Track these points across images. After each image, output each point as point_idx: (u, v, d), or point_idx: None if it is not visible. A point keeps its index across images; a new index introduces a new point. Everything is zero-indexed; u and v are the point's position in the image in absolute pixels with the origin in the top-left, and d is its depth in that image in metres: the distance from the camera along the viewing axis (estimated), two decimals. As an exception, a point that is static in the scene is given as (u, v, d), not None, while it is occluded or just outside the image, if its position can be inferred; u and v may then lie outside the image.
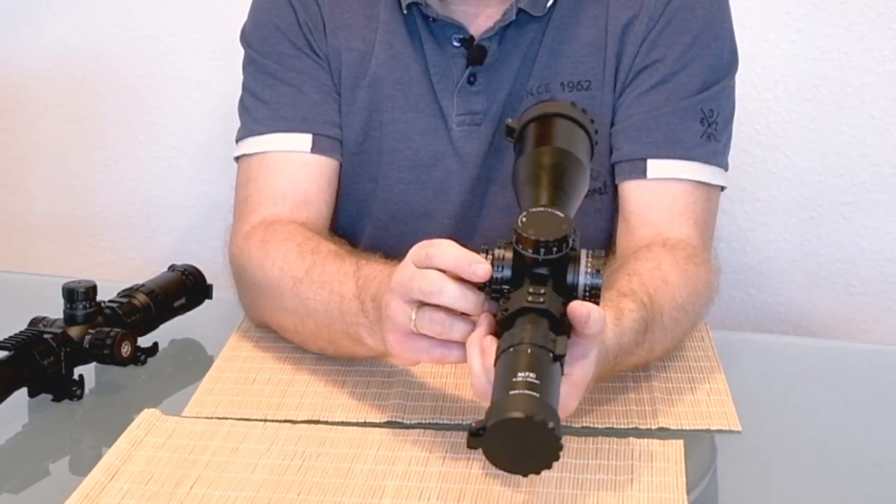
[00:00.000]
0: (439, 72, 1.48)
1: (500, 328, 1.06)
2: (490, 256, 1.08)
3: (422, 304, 1.11)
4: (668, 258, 1.34)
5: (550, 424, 0.95)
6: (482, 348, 1.08)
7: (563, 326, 1.05)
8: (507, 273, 1.08)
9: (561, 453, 0.96)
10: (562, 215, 1.10)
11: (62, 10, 2.23)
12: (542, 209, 1.11)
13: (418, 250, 1.12)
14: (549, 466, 0.97)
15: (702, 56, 1.45)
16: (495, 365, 1.03)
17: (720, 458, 1.22)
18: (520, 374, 0.98)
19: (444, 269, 1.09)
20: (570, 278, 1.08)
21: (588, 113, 1.27)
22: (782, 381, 1.39)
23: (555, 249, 1.06)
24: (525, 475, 1.00)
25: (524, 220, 1.09)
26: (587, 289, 1.07)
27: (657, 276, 1.30)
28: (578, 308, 1.05)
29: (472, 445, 0.99)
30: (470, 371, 1.09)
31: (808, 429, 1.27)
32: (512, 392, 0.96)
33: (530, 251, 1.07)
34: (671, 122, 1.44)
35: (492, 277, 1.08)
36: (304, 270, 1.32)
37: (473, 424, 0.98)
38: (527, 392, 0.96)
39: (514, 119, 1.27)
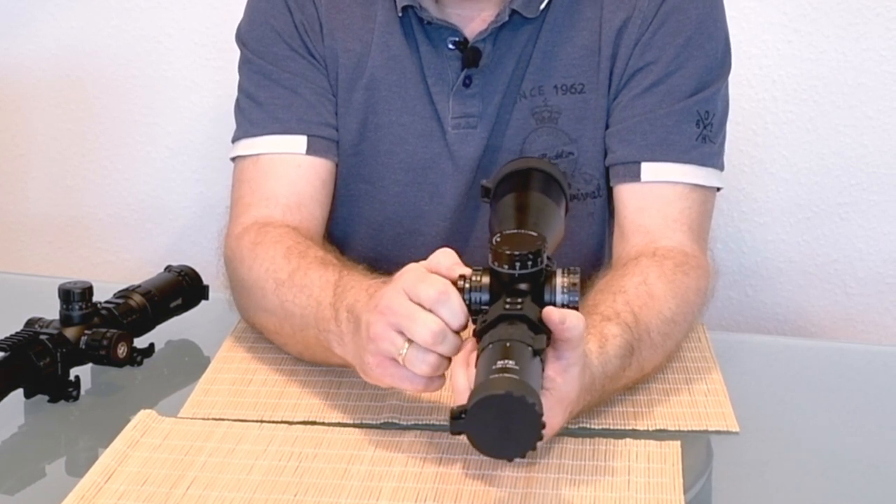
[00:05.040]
0: (435, 74, 1.48)
1: (478, 338, 1.07)
2: (468, 283, 1.09)
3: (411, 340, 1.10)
4: (654, 270, 1.33)
5: (531, 400, 0.94)
6: (467, 363, 1.08)
7: (541, 331, 1.06)
8: (486, 296, 1.09)
9: (544, 432, 0.95)
10: (535, 234, 1.12)
11: (58, 11, 2.23)
12: (515, 231, 1.13)
13: (423, 288, 1.09)
14: (533, 447, 0.96)
15: (696, 57, 1.44)
16: (476, 366, 1.03)
17: (717, 458, 1.22)
18: (499, 363, 0.98)
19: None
20: (546, 297, 1.09)
21: (559, 166, 1.31)
22: (779, 382, 1.39)
23: (529, 263, 1.08)
24: (510, 459, 0.99)
25: (498, 239, 1.11)
26: (564, 307, 1.08)
27: (643, 292, 1.29)
28: (554, 311, 1.06)
29: (454, 430, 0.99)
30: (454, 387, 1.08)
31: (805, 429, 1.26)
32: (492, 376, 0.97)
33: (506, 266, 1.08)
34: (666, 125, 1.44)
35: (470, 302, 1.09)
36: (287, 273, 1.31)
37: (455, 409, 0.99)
38: (507, 375, 0.96)
39: (489, 179, 1.28)
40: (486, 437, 0.97)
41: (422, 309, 1.09)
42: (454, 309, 1.09)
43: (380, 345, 1.11)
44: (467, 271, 1.11)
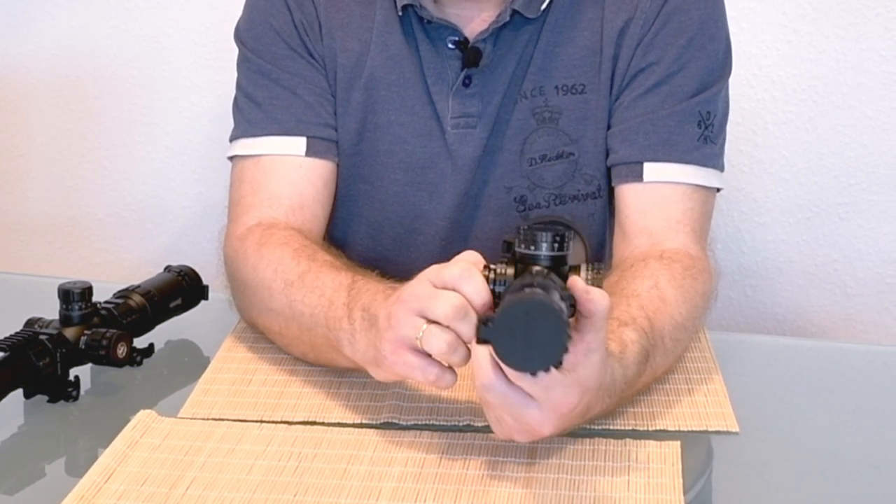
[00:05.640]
0: (434, 74, 1.47)
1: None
2: (493, 273, 1.09)
3: (431, 322, 1.10)
4: (665, 274, 1.32)
5: (558, 309, 0.95)
6: None
7: (566, 298, 1.05)
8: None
9: (570, 344, 0.96)
10: (562, 224, 1.12)
11: (58, 11, 2.23)
12: (542, 222, 1.13)
13: (446, 271, 1.10)
14: (558, 361, 0.97)
15: (697, 58, 1.44)
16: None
17: (717, 459, 1.22)
18: (527, 290, 0.98)
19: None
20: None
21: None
22: (779, 382, 1.39)
23: (556, 246, 1.07)
24: (534, 373, 0.99)
25: (526, 226, 1.11)
26: None
27: (655, 297, 1.28)
28: (579, 280, 1.05)
29: (480, 337, 1.00)
30: (475, 362, 1.06)
31: (805, 430, 1.26)
32: (521, 292, 0.98)
33: (532, 248, 1.08)
34: (668, 125, 1.43)
35: (495, 291, 1.09)
36: (297, 274, 1.31)
37: (483, 315, 0.99)
38: (536, 290, 0.97)
39: (511, 235, 1.28)
40: (511, 347, 0.97)
41: (445, 290, 1.09)
42: (477, 285, 1.08)
43: (399, 330, 1.11)
44: (493, 264, 1.11)
